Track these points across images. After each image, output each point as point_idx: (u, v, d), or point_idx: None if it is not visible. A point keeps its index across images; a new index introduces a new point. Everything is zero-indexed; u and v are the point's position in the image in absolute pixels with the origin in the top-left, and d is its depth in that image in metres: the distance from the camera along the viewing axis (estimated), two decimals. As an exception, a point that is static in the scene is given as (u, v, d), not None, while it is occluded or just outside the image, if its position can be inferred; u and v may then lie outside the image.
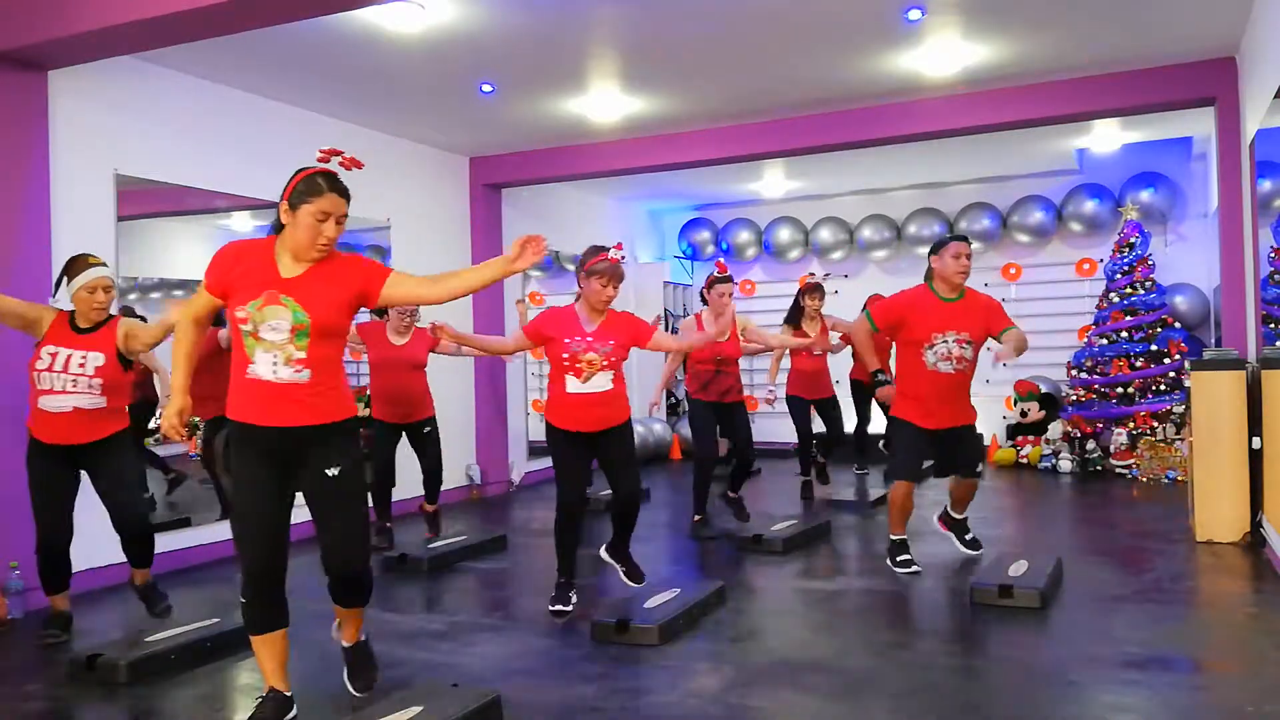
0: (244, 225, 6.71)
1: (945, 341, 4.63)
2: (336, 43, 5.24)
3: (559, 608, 4.36)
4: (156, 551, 4.63)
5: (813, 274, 7.25)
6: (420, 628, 4.24)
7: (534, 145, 7.86)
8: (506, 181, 8.27)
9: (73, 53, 4.67)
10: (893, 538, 4.99)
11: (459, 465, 8.00)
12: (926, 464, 5.09)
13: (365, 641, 3.35)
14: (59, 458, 4.04)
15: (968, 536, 5.22)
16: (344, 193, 2.94)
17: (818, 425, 7.25)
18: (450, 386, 7.88)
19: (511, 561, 5.63)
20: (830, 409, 7.19)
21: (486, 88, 6.22)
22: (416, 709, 2.94)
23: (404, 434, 5.89)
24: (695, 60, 5.82)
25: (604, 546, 4.67)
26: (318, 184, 2.88)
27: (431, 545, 5.57)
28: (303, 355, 2.82)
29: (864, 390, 7.69)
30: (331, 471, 2.91)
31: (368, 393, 5.99)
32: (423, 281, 3.03)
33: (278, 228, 2.93)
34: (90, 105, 5.16)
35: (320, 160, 2.98)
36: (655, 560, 5.45)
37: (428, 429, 5.90)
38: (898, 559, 4.95)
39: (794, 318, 7.03)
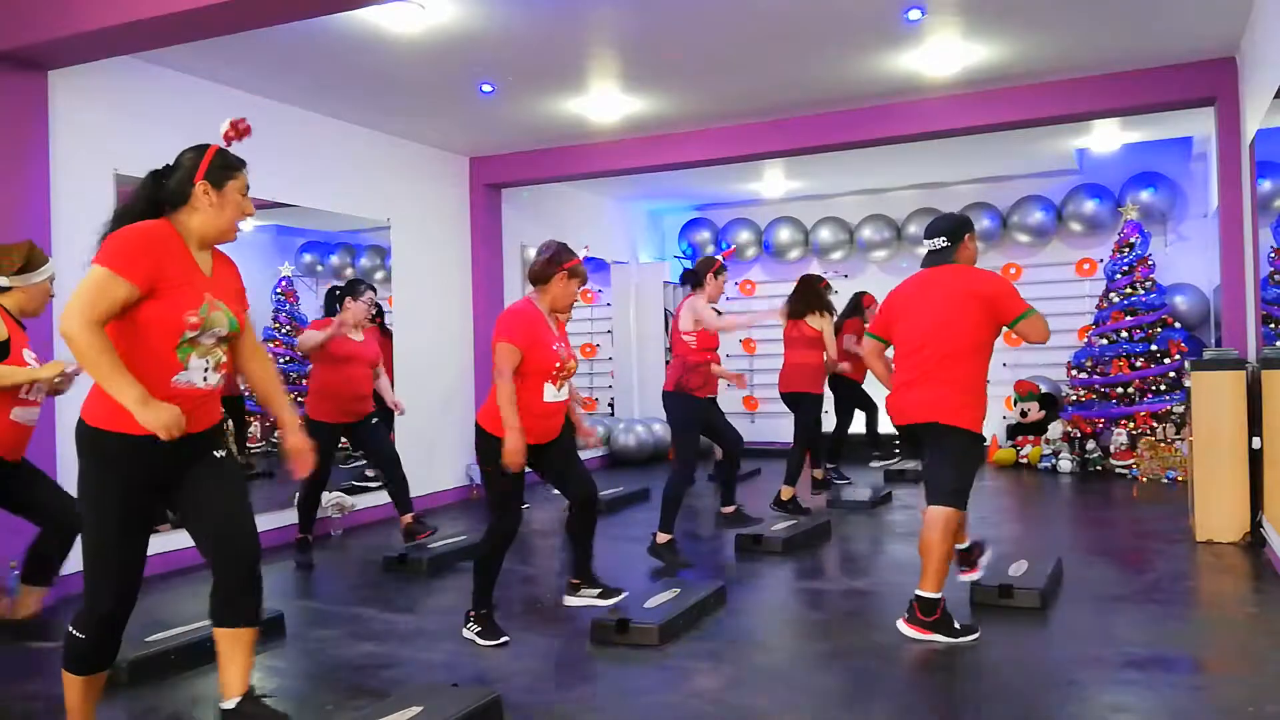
0: (244, 225, 6.70)
1: None
2: (336, 43, 5.24)
3: (503, 640, 3.93)
4: (157, 551, 4.59)
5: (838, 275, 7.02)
6: (420, 628, 4.24)
7: (534, 145, 7.86)
8: (506, 181, 8.27)
9: (73, 53, 4.67)
10: (935, 597, 3.79)
11: (459, 465, 8.00)
12: None
13: (256, 695, 2.78)
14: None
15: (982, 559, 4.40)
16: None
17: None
18: (450, 387, 7.90)
19: (511, 561, 5.61)
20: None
21: (486, 88, 6.22)
22: (416, 709, 2.93)
23: (345, 435, 5.71)
24: (695, 60, 5.82)
25: (570, 586, 4.39)
26: (234, 158, 2.70)
27: (431, 545, 5.56)
28: (224, 359, 2.69)
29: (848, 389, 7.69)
30: (220, 453, 2.72)
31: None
32: (250, 344, 2.84)
33: (150, 211, 2.64)
34: (90, 105, 5.16)
35: (228, 138, 2.75)
36: (655, 560, 5.44)
37: (375, 419, 5.71)
38: (961, 627, 3.82)
39: (827, 307, 6.70)
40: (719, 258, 5.80)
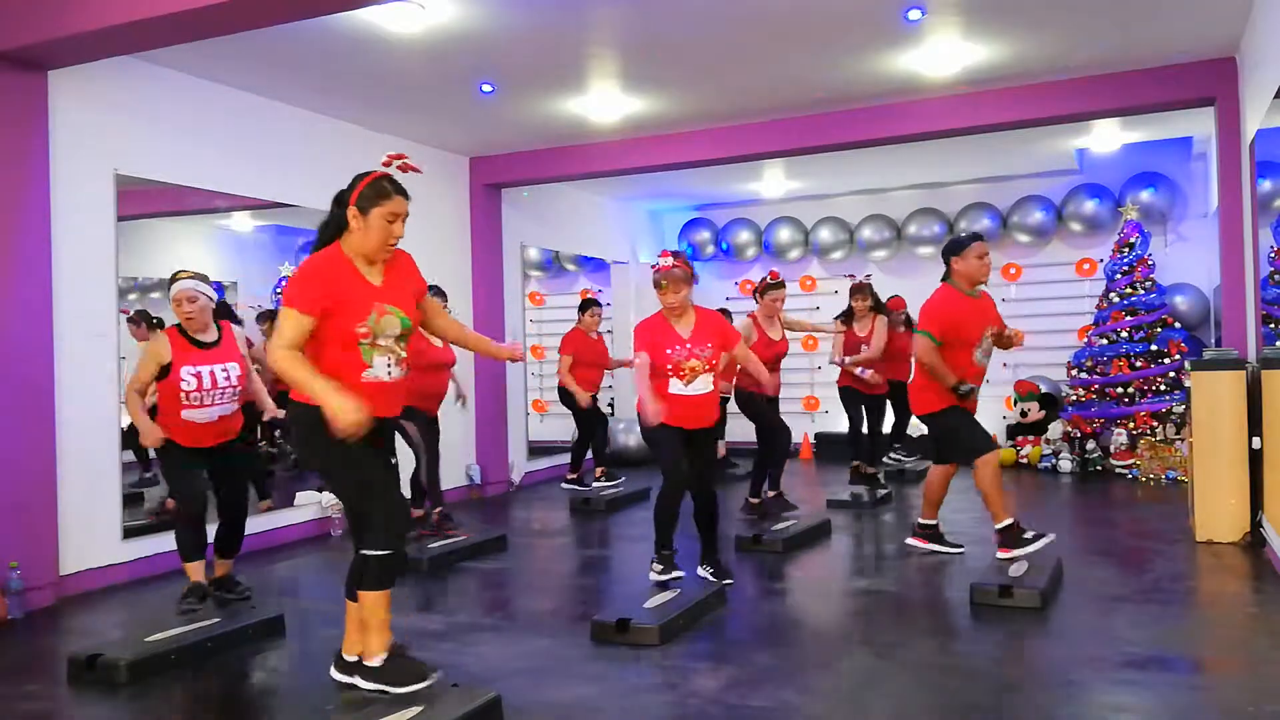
0: (244, 225, 6.72)
1: (986, 339, 4.76)
2: (336, 43, 5.24)
3: (668, 575, 4.64)
4: (158, 552, 4.67)
5: (852, 275, 7.48)
6: (420, 628, 4.24)
7: (534, 145, 7.86)
8: (506, 181, 8.27)
9: (73, 53, 4.67)
10: (1005, 524, 4.64)
11: (459, 465, 8.00)
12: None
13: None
14: (197, 455, 4.36)
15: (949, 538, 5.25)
16: (407, 194, 3.12)
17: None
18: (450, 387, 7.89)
19: (511, 561, 5.63)
20: (874, 408, 7.28)
21: (486, 88, 6.22)
22: (416, 709, 2.94)
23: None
24: (695, 60, 5.82)
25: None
26: (385, 187, 3.03)
27: (431, 545, 5.57)
28: (404, 354, 3.11)
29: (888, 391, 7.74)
30: (394, 460, 3.30)
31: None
32: (442, 319, 3.50)
33: (333, 234, 3.06)
34: (90, 105, 5.16)
35: (385, 164, 3.13)
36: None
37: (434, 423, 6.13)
38: (1025, 536, 4.62)
39: (847, 317, 7.32)
40: (766, 279, 6.29)
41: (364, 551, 3.06)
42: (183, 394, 4.20)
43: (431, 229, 7.78)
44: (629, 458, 9.55)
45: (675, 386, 4.48)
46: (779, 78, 6.20)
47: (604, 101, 6.58)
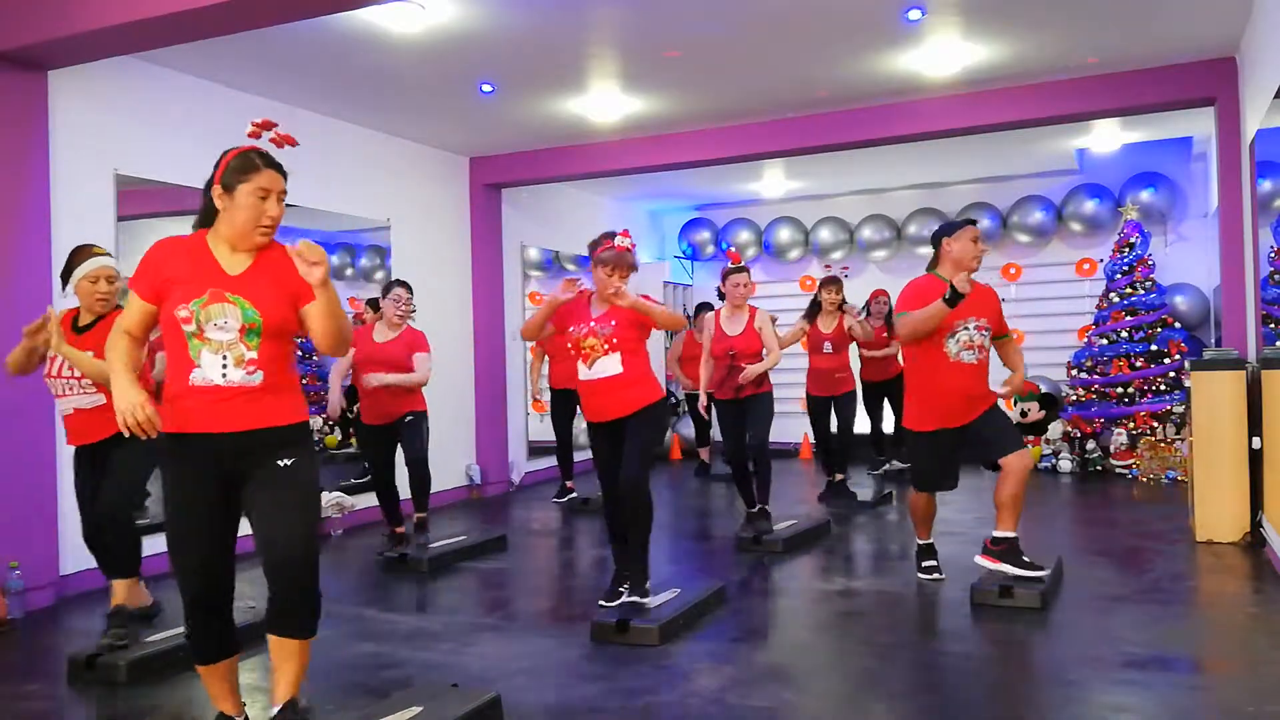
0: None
1: (966, 329, 4.34)
2: (336, 43, 5.24)
3: (608, 603, 4.23)
4: (154, 553, 4.61)
5: (828, 266, 7.36)
6: (420, 628, 4.24)
7: (534, 145, 7.86)
8: (506, 181, 8.27)
9: (73, 53, 4.67)
10: (919, 542, 4.82)
11: (459, 465, 8.00)
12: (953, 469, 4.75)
13: (302, 707, 2.72)
14: (83, 457, 3.94)
15: (1025, 559, 4.43)
16: (280, 169, 2.72)
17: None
18: (450, 385, 7.89)
19: (511, 561, 5.63)
20: (843, 407, 7.07)
21: (486, 88, 6.22)
22: (416, 709, 2.93)
23: (396, 433, 5.58)
24: (695, 60, 5.82)
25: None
26: (253, 160, 2.66)
27: (431, 545, 5.56)
28: (254, 355, 2.57)
29: (876, 390, 7.71)
30: (284, 462, 2.61)
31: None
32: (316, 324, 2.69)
33: (204, 221, 2.69)
34: (90, 105, 5.16)
35: (251, 135, 2.74)
36: (655, 560, 5.43)
37: (409, 418, 5.51)
38: (922, 564, 4.80)
39: (811, 313, 7.05)
40: (727, 264, 5.89)
41: None
42: (47, 380, 3.81)
43: (432, 229, 7.79)
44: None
45: (581, 372, 4.14)
46: (779, 78, 6.20)
47: (604, 101, 6.58)
